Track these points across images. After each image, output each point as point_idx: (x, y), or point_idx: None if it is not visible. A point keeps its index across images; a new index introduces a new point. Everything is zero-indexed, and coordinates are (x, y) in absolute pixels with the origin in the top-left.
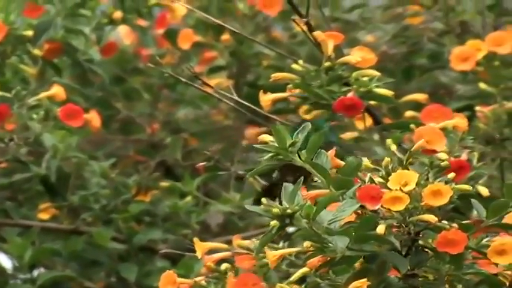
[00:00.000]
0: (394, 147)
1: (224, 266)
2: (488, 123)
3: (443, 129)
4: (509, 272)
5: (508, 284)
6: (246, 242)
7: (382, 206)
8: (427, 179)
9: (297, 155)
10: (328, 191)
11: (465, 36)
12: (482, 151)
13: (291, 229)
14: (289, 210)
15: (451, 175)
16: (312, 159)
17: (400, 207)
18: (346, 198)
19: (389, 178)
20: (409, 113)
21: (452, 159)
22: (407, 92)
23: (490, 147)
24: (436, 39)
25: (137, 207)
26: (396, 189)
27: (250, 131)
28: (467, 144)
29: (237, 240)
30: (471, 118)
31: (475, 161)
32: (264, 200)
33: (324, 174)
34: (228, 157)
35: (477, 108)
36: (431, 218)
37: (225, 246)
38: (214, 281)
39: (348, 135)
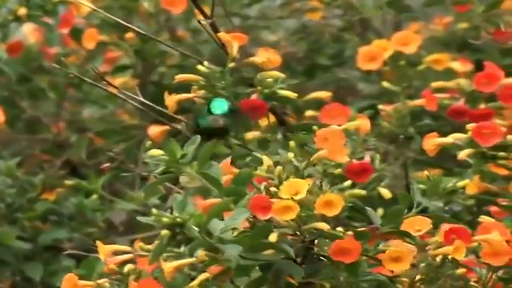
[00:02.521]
0: (291, 155)
1: (127, 267)
2: (391, 122)
3: (345, 131)
4: (405, 279)
5: None
6: (148, 246)
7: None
8: (321, 187)
9: (188, 166)
10: (221, 200)
11: (366, 33)
12: (386, 150)
13: None
14: (179, 220)
15: (347, 183)
16: (204, 170)
17: (291, 216)
18: (239, 207)
19: (280, 187)
20: (309, 113)
21: (354, 161)
22: (310, 90)
23: (393, 145)
24: (336, 36)
25: (43, 206)
26: (287, 199)
27: (153, 130)
28: (370, 146)
29: (138, 243)
30: (374, 117)
31: (377, 162)
32: (154, 210)
33: (217, 185)
34: (133, 157)
35: (380, 106)
36: (324, 226)
37: (128, 248)
38: (117, 283)
39: (250, 135)
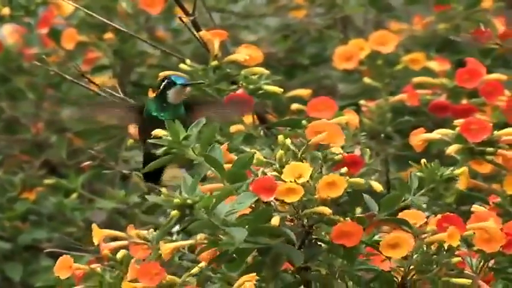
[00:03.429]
0: (289, 141)
1: (120, 254)
2: (373, 118)
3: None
4: (401, 268)
5: (400, 279)
6: (143, 232)
7: (276, 198)
8: (321, 172)
9: (190, 148)
10: (221, 185)
11: (348, 31)
12: (367, 146)
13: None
14: (189, 201)
15: (345, 169)
16: (206, 153)
17: (295, 198)
18: (240, 192)
19: (283, 170)
20: (294, 106)
21: (345, 154)
22: (291, 89)
23: (374, 141)
24: (319, 34)
25: (22, 206)
26: (290, 181)
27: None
28: (359, 140)
29: (132, 229)
30: (356, 114)
31: (367, 157)
32: (164, 190)
33: (218, 168)
34: (113, 156)
35: (362, 102)
36: (326, 210)
37: (123, 234)
38: (110, 269)
39: (235, 128)
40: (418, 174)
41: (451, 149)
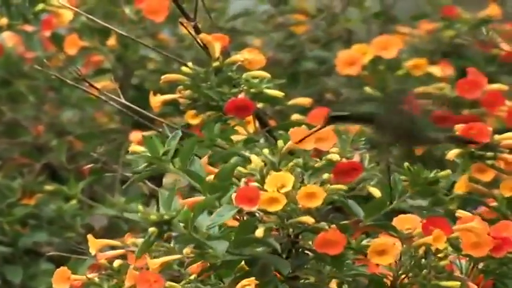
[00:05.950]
0: (266, 151)
1: (117, 263)
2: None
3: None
4: (390, 273)
5: (389, 283)
6: (140, 240)
7: (259, 209)
8: (302, 181)
9: (170, 163)
10: (204, 197)
11: (351, 44)
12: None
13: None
14: (166, 217)
15: (326, 176)
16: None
17: (277, 207)
18: (223, 203)
19: (266, 181)
20: (295, 117)
21: (344, 160)
22: (293, 96)
23: (374, 151)
24: (320, 48)
25: (22, 211)
26: (273, 191)
27: (135, 135)
28: (358, 146)
29: (130, 238)
30: None
31: (366, 163)
32: (140, 207)
33: (200, 181)
34: (114, 159)
35: None
36: (309, 219)
37: (119, 243)
38: (107, 278)
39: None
40: (402, 178)
41: (452, 154)
